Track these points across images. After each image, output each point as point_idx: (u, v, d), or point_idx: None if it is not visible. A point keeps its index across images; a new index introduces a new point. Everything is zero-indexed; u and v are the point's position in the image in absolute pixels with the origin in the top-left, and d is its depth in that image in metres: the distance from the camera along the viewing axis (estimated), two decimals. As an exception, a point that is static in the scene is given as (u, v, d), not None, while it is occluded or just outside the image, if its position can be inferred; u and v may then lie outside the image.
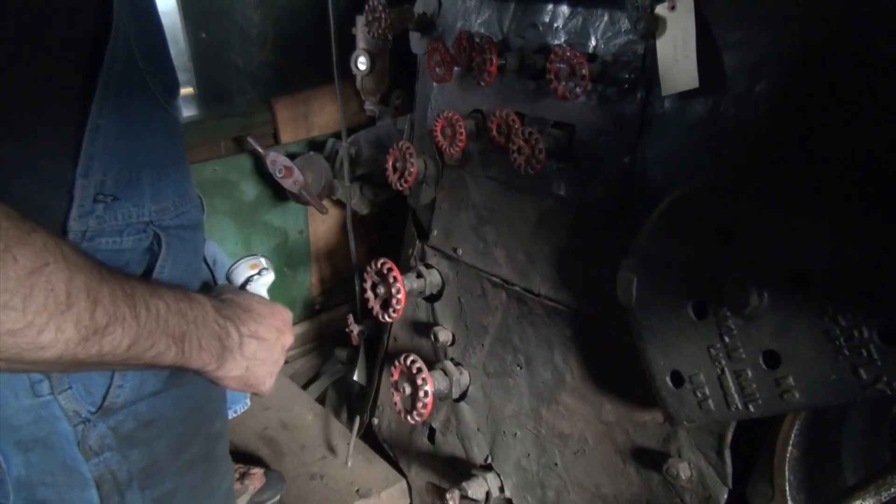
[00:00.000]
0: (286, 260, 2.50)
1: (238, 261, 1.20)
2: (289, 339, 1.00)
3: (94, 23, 0.75)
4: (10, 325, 0.57)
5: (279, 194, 2.34)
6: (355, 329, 2.10)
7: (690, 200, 1.15)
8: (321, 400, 2.47)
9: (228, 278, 1.21)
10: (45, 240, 0.61)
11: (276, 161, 2.05)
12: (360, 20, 2.06)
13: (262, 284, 1.16)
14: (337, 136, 2.30)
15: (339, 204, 2.44)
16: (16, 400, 0.78)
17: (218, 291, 0.95)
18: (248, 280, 1.16)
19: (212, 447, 1.05)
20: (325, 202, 2.24)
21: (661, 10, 1.24)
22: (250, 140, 2.11)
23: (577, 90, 1.35)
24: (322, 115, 2.37)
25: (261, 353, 0.92)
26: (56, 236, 0.63)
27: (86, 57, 0.75)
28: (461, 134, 1.59)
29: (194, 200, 0.97)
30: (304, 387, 2.49)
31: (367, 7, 1.79)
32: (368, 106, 2.24)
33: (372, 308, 1.67)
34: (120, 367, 0.74)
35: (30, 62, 0.71)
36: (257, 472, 1.86)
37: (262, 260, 1.22)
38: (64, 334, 0.62)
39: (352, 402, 2.43)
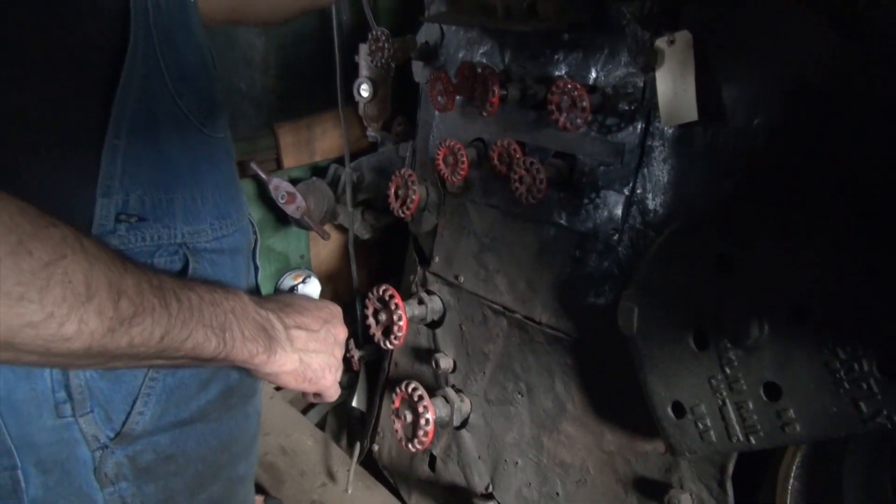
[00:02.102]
0: (287, 283, 2.50)
1: (282, 276, 1.20)
2: (341, 331, 0.97)
3: (116, 45, 0.77)
4: (29, 318, 0.58)
5: (281, 219, 2.35)
6: (356, 354, 2.10)
7: (690, 232, 1.17)
8: (321, 425, 2.46)
9: (275, 292, 1.21)
10: (65, 234, 0.62)
11: (279, 187, 2.07)
12: (364, 48, 2.09)
13: (308, 291, 1.15)
14: (339, 161, 2.32)
15: (341, 228, 2.45)
16: (39, 418, 0.79)
17: (264, 296, 0.95)
18: (293, 289, 1.15)
19: (232, 491, 1.02)
20: (327, 227, 2.25)
21: (660, 43, 1.26)
22: (253, 165, 2.12)
23: (578, 121, 1.37)
24: (324, 140, 2.39)
25: (312, 345, 0.90)
26: (78, 231, 0.64)
27: (107, 79, 0.77)
28: (463, 162, 1.61)
29: (238, 224, 0.96)
30: (304, 412, 2.48)
31: (370, 37, 1.81)
32: (370, 132, 2.26)
33: (373, 334, 1.68)
34: (159, 360, 0.73)
35: (51, 84, 0.73)
36: (258, 498, 1.85)
37: (306, 270, 1.21)
38: (88, 325, 0.62)
39: (352, 428, 2.42)
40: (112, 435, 0.83)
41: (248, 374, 0.89)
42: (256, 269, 1.08)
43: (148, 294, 0.68)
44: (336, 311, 0.99)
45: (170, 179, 0.84)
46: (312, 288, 1.15)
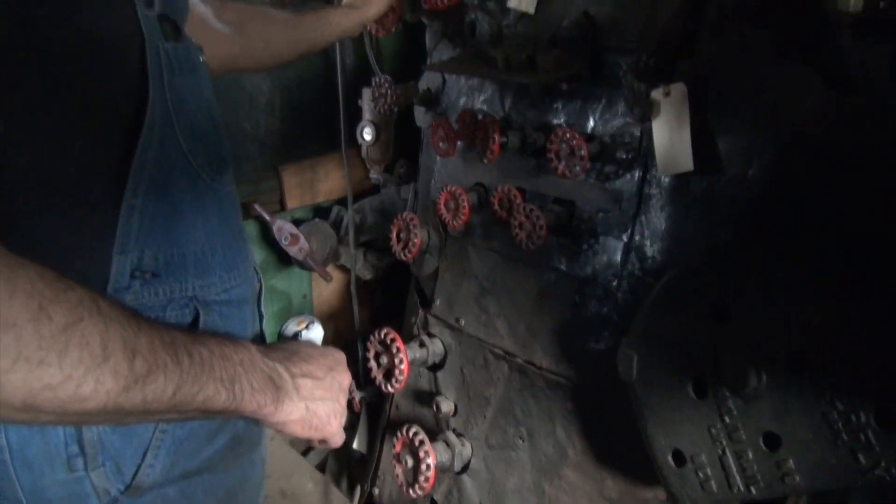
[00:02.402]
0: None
1: (286, 322, 1.22)
2: (345, 377, 0.98)
3: (133, 108, 0.80)
4: (48, 380, 0.59)
5: (284, 259, 2.37)
6: (357, 396, 2.10)
7: (687, 280, 1.18)
8: (321, 467, 2.44)
9: (279, 339, 1.22)
10: (81, 296, 0.64)
11: (283, 229, 2.09)
12: (367, 92, 2.13)
13: (312, 337, 1.17)
14: (342, 202, 2.35)
15: (343, 269, 2.47)
16: (52, 472, 0.80)
17: (269, 344, 0.96)
18: (297, 335, 1.17)
19: None
20: (330, 268, 2.27)
21: (656, 95, 1.29)
22: (257, 207, 2.15)
23: (577, 169, 1.40)
24: (327, 181, 2.43)
25: (318, 392, 0.91)
26: (94, 292, 0.66)
27: (125, 140, 0.79)
28: (464, 207, 1.63)
29: (245, 275, 0.98)
30: (304, 453, 2.47)
31: (373, 83, 1.86)
32: (373, 174, 2.30)
33: (375, 378, 1.68)
34: (171, 415, 0.74)
35: (73, 145, 0.75)
36: None
37: (308, 316, 1.23)
38: (104, 385, 0.63)
39: (352, 471, 2.40)
40: (122, 488, 0.84)
41: (255, 423, 0.90)
42: (261, 316, 1.09)
43: (161, 351, 0.70)
44: (340, 357, 1.01)
45: (182, 234, 0.87)
46: (316, 333, 1.17)
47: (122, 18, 0.78)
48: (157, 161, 0.82)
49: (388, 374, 1.65)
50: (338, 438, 0.99)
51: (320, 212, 2.43)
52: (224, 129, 0.99)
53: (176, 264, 0.85)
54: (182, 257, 0.86)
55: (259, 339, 1.08)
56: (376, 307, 2.68)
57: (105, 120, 0.78)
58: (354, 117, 2.23)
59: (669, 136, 1.28)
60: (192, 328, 0.88)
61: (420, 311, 1.89)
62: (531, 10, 1.51)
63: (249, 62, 1.44)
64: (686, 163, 1.27)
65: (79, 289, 0.64)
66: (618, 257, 1.41)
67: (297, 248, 2.08)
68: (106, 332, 0.64)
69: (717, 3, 1.23)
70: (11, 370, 0.57)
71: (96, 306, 0.64)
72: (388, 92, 1.80)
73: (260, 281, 1.09)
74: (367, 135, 2.17)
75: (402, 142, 2.26)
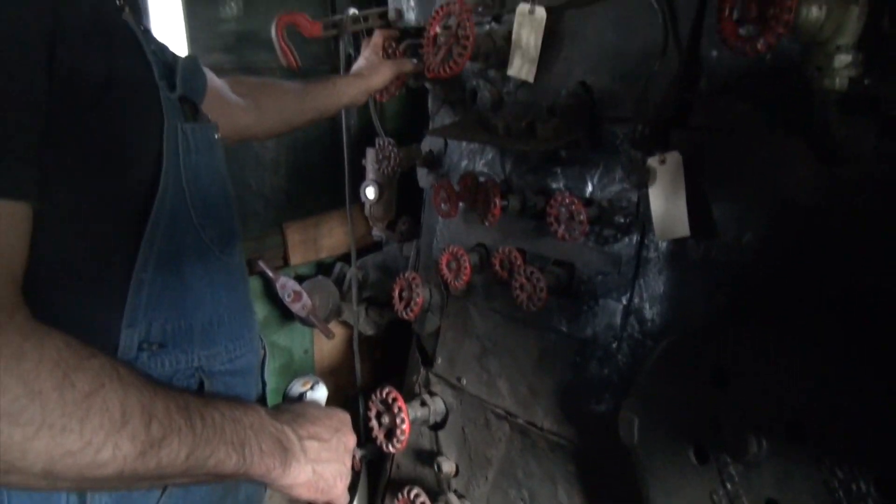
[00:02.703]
0: (290, 379, 2.50)
1: (290, 383, 1.23)
2: (350, 439, 1.00)
3: (149, 187, 0.83)
4: (69, 447, 0.61)
5: (286, 314, 2.39)
6: (357, 454, 2.09)
7: (685, 345, 1.20)
8: (320, 526, 2.41)
9: (284, 400, 1.24)
10: (103, 363, 0.66)
11: (286, 286, 2.12)
12: (371, 152, 2.18)
13: (317, 397, 1.18)
14: (344, 258, 2.38)
15: (345, 324, 2.48)
16: None
17: (275, 406, 0.98)
18: (302, 396, 1.18)
19: None
20: (332, 324, 2.29)
21: (652, 162, 1.33)
22: (261, 264, 2.18)
23: (576, 233, 1.43)
24: (331, 237, 2.46)
25: (324, 454, 0.92)
26: (114, 359, 0.68)
27: (138, 216, 0.82)
28: (465, 268, 1.66)
29: (251, 345, 1.01)
30: (304, 511, 2.44)
31: (377, 145, 1.91)
32: (376, 232, 2.34)
33: (376, 437, 1.68)
34: (182, 479, 0.75)
35: (88, 223, 0.78)
36: None
37: (313, 377, 1.25)
38: (121, 450, 0.65)
39: (352, 529, 2.37)
40: None
41: (260, 485, 0.91)
42: (264, 384, 1.11)
43: (175, 415, 0.72)
44: (345, 418, 1.02)
45: (190, 306, 0.89)
46: (321, 394, 1.18)
47: (147, 102, 0.83)
48: (168, 236, 0.84)
49: (390, 434, 1.65)
50: (342, 500, 1.00)
51: (323, 268, 2.46)
52: (235, 202, 1.02)
53: (183, 335, 0.88)
54: (189, 328, 0.88)
55: (262, 405, 1.09)
56: (377, 362, 2.68)
57: (123, 199, 0.81)
58: (358, 176, 2.28)
59: (666, 203, 1.32)
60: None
61: (421, 369, 1.90)
62: (530, 79, 1.57)
63: (262, 131, 1.52)
64: (682, 229, 1.30)
65: (100, 355, 0.66)
66: (617, 319, 1.43)
67: (300, 306, 2.10)
68: (125, 398, 0.66)
69: (710, 76, 1.28)
70: (35, 437, 0.59)
71: (116, 373, 0.67)
72: (392, 155, 1.85)
73: (264, 348, 1.11)
74: (371, 193, 2.21)
75: (405, 199, 2.30)
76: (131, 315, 0.82)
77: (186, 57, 0.93)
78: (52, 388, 0.60)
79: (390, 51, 1.84)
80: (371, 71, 1.68)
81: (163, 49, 0.91)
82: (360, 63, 1.76)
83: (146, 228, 0.82)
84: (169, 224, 0.84)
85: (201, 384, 0.90)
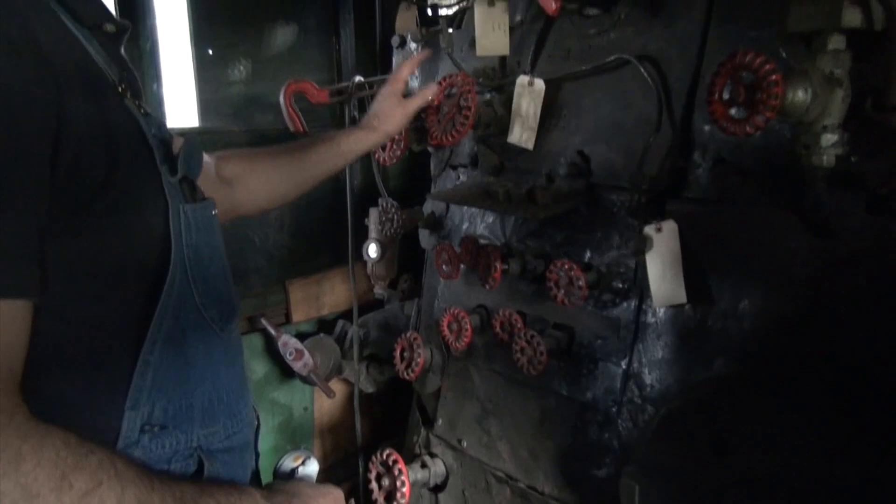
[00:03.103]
0: (290, 437, 2.50)
1: (282, 458, 1.23)
2: None
3: (155, 270, 0.84)
4: None
5: (286, 372, 2.39)
6: (356, 518, 2.07)
7: (684, 413, 1.22)
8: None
9: (275, 476, 1.24)
10: (101, 459, 0.67)
11: (288, 343, 2.13)
12: (374, 212, 2.22)
13: (308, 473, 1.18)
14: (346, 315, 2.40)
15: (346, 381, 2.48)
16: None
17: (267, 485, 0.98)
18: (293, 472, 1.18)
19: None
20: (332, 382, 2.29)
21: (648, 230, 1.37)
22: (264, 322, 2.20)
23: (576, 298, 1.45)
24: (333, 294, 2.49)
25: None
26: (112, 453, 0.69)
27: (144, 299, 0.84)
28: (466, 330, 1.68)
29: (247, 419, 1.01)
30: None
31: (380, 207, 1.95)
32: (377, 290, 2.36)
33: (375, 500, 1.68)
34: None
35: (95, 309, 0.79)
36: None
37: (305, 451, 1.25)
38: None
39: None
40: None
41: None
42: (257, 455, 1.11)
43: None
44: (338, 495, 1.03)
45: (192, 386, 0.90)
46: (312, 469, 1.19)
47: (149, 189, 0.85)
48: (174, 317, 0.86)
49: (390, 497, 1.65)
50: None
51: (325, 325, 2.47)
52: (232, 277, 1.03)
53: (184, 415, 0.88)
54: (190, 408, 0.89)
55: (254, 477, 1.10)
56: (377, 419, 2.67)
57: (127, 284, 0.82)
58: (361, 234, 2.31)
59: (663, 270, 1.35)
60: (197, 477, 0.90)
61: (422, 429, 1.90)
62: (530, 146, 1.62)
63: (252, 210, 1.43)
64: (679, 296, 1.33)
65: (98, 451, 0.67)
66: (617, 384, 1.44)
67: (302, 364, 2.11)
68: (122, 495, 0.68)
69: (703, 149, 1.33)
70: None
71: (114, 468, 0.68)
72: (395, 217, 1.89)
73: (258, 419, 1.11)
74: (373, 252, 2.24)
75: (407, 258, 2.33)
76: (135, 397, 0.82)
77: (188, 140, 0.94)
78: (50, 490, 0.61)
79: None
80: (385, 118, 1.51)
81: (161, 127, 0.93)
82: (374, 107, 1.55)
83: (155, 312, 0.83)
84: (176, 306, 0.86)
85: (200, 464, 0.90)
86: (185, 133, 1.10)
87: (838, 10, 0.99)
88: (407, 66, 1.57)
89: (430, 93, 1.56)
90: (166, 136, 0.92)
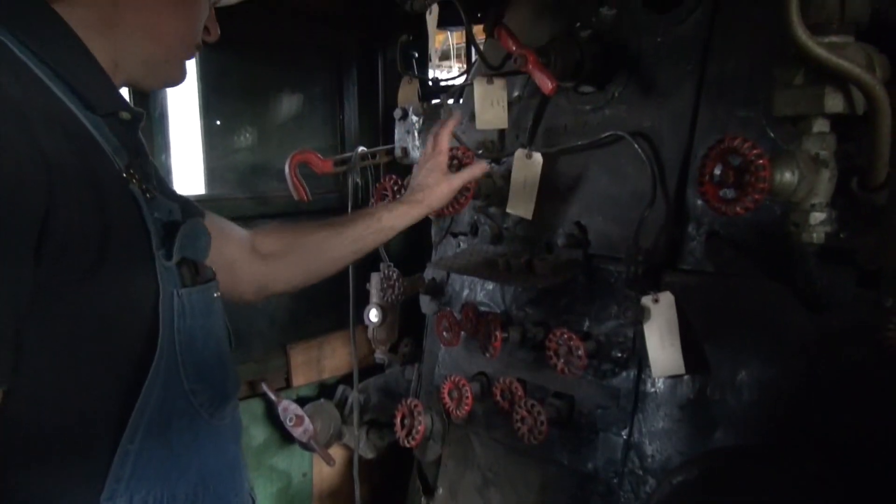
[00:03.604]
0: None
1: None
2: None
3: (139, 357, 0.82)
4: None
5: (286, 437, 2.37)
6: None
7: (685, 488, 1.21)
8: None
9: None
10: None
11: (288, 409, 2.13)
12: (375, 277, 2.25)
13: None
14: (346, 379, 2.39)
15: (345, 447, 2.46)
16: None
17: None
18: None
19: None
20: (332, 448, 2.28)
21: (646, 301, 1.39)
22: (263, 386, 2.20)
23: (575, 368, 1.47)
24: (333, 358, 2.49)
25: None
26: None
27: (127, 387, 0.81)
28: (467, 398, 1.68)
29: None
30: None
31: (382, 274, 1.98)
32: (378, 354, 2.36)
33: (375, 573, 1.65)
34: None
35: (75, 396, 0.77)
36: None
37: None
38: None
39: None
40: None
41: None
42: None
43: None
44: None
45: (174, 476, 0.86)
46: None
47: (141, 274, 0.83)
48: (159, 406, 0.83)
49: (390, 570, 1.62)
50: None
51: (325, 389, 2.47)
52: (231, 361, 1.01)
53: None
54: (172, 499, 0.86)
55: None
56: (377, 486, 2.63)
57: (110, 370, 0.80)
58: (362, 298, 2.33)
59: (661, 341, 1.37)
60: None
61: (423, 498, 1.88)
62: (528, 216, 1.66)
63: (285, 286, 1.39)
64: (678, 367, 1.34)
65: None
66: (618, 454, 1.44)
67: (302, 430, 2.10)
68: None
69: (696, 223, 1.36)
70: None
71: None
72: (396, 284, 1.92)
73: (254, 500, 1.08)
74: (374, 317, 2.26)
75: (408, 321, 2.35)
76: (112, 488, 0.79)
77: (188, 222, 0.92)
78: None
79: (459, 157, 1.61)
80: (430, 192, 1.45)
81: (171, 211, 0.91)
82: (418, 180, 1.48)
83: (138, 399, 0.80)
84: (161, 394, 0.83)
85: None
86: (202, 206, 1.09)
87: (821, 96, 1.04)
88: (445, 135, 1.48)
89: (479, 170, 1.51)
90: (174, 219, 0.91)
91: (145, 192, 0.86)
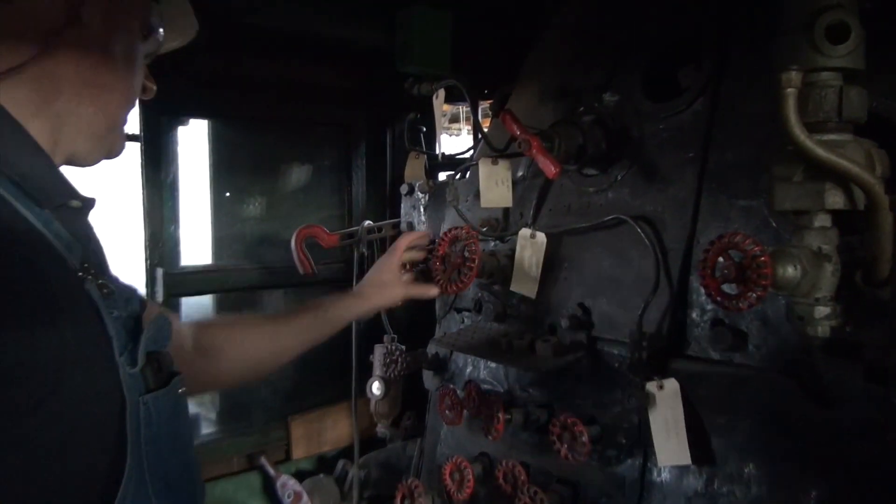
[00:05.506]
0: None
1: None
2: None
3: (106, 471, 0.76)
4: None
5: (284, 512, 2.33)
6: None
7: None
8: None
9: None
10: None
11: (287, 485, 2.09)
12: (378, 349, 2.24)
13: None
14: (347, 452, 2.36)
15: (345, 524, 2.40)
16: None
17: None
18: None
19: None
20: (331, 526, 2.22)
21: (650, 387, 1.37)
22: (262, 460, 2.17)
23: (579, 454, 1.44)
24: (334, 430, 2.46)
25: None
26: None
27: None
28: (469, 480, 1.65)
29: None
30: None
31: (386, 349, 1.97)
32: (380, 428, 2.33)
33: None
34: None
35: None
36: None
37: None
38: None
39: None
40: None
41: None
42: None
43: None
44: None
45: None
46: None
47: (103, 386, 0.77)
48: None
49: None
50: None
51: (325, 462, 2.43)
52: (198, 466, 0.97)
53: None
54: None
55: None
56: (375, 565, 2.56)
57: (77, 490, 0.75)
58: (365, 371, 2.32)
59: (666, 428, 1.34)
60: None
61: (422, 584, 1.82)
62: (532, 295, 1.66)
63: (231, 381, 1.37)
64: (683, 457, 1.31)
65: None
66: (624, 548, 1.40)
67: (300, 508, 2.06)
68: None
69: (700, 310, 1.36)
70: None
71: None
72: (399, 359, 1.91)
73: None
74: (377, 390, 2.23)
75: (410, 395, 2.32)
76: None
77: (155, 320, 0.87)
78: None
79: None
80: (380, 291, 1.54)
81: (129, 300, 0.86)
82: (371, 274, 1.59)
83: None
84: None
85: None
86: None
87: (821, 192, 1.04)
88: (405, 239, 1.62)
89: (432, 292, 1.60)
90: (134, 310, 0.86)
91: (101, 287, 0.80)
